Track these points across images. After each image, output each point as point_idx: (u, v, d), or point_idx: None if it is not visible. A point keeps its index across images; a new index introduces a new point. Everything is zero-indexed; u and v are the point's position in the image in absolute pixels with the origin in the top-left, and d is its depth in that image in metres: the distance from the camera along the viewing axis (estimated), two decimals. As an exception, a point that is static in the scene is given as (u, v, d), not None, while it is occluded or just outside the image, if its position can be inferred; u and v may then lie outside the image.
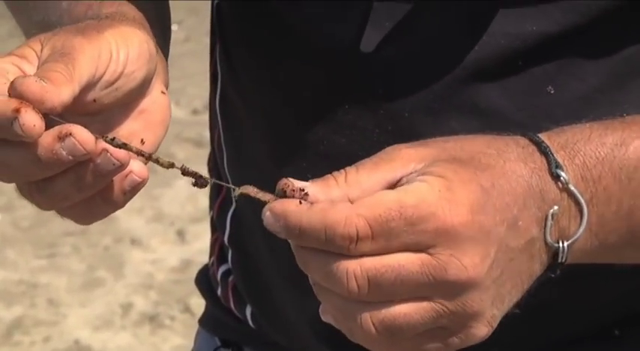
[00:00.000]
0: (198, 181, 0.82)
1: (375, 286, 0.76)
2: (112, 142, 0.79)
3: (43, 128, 0.77)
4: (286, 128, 1.03)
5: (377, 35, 0.94)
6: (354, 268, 0.76)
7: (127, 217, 3.71)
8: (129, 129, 0.87)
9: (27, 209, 3.69)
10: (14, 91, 0.77)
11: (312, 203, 0.77)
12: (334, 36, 0.97)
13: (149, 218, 3.77)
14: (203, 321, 1.28)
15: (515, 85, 0.94)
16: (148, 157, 0.82)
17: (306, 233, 0.76)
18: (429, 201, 0.76)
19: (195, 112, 4.37)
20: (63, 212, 0.85)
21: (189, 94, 4.37)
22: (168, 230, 3.72)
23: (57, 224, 3.63)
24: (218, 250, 1.23)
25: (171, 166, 0.82)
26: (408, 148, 0.80)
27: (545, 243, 0.81)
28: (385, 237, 0.75)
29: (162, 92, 0.90)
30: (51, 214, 0.87)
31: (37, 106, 0.76)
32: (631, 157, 0.83)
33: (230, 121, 1.14)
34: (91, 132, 0.78)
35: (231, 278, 1.19)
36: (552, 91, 0.94)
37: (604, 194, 0.83)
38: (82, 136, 0.77)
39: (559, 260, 0.82)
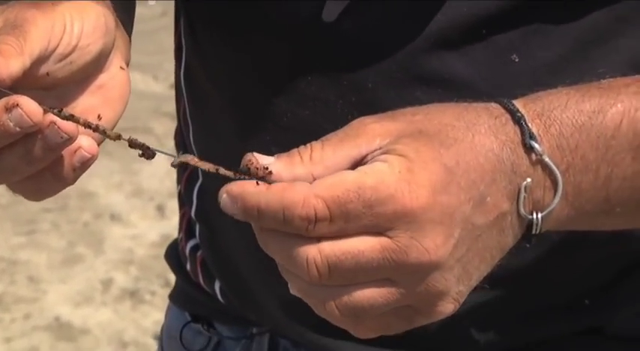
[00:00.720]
0: (146, 153, 0.82)
1: (336, 272, 0.75)
2: (59, 114, 0.79)
3: None
4: (250, 101, 1.02)
5: (338, 6, 0.93)
6: (314, 254, 0.75)
7: (106, 193, 3.70)
8: (86, 104, 0.87)
9: (4, 186, 3.68)
10: None
11: (270, 183, 0.76)
12: (296, 7, 0.96)
13: (128, 193, 3.76)
14: (173, 296, 1.27)
15: (479, 54, 0.93)
16: (95, 129, 0.81)
17: (264, 214, 0.75)
18: (388, 182, 0.74)
19: (172, 86, 4.34)
20: (13, 187, 0.85)
21: (167, 68, 4.34)
22: (147, 205, 3.71)
23: (36, 201, 3.62)
24: (186, 224, 1.22)
25: (119, 138, 0.81)
26: (374, 123, 0.79)
27: (519, 215, 0.80)
28: (344, 219, 0.74)
29: (122, 68, 0.89)
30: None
31: None
32: (608, 125, 0.82)
33: (195, 95, 1.13)
34: (40, 104, 0.77)
35: (199, 253, 1.19)
36: (517, 60, 0.93)
37: (581, 163, 0.81)
38: (29, 107, 0.77)
39: (533, 231, 0.81)
